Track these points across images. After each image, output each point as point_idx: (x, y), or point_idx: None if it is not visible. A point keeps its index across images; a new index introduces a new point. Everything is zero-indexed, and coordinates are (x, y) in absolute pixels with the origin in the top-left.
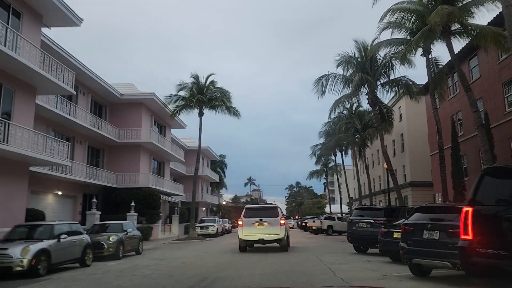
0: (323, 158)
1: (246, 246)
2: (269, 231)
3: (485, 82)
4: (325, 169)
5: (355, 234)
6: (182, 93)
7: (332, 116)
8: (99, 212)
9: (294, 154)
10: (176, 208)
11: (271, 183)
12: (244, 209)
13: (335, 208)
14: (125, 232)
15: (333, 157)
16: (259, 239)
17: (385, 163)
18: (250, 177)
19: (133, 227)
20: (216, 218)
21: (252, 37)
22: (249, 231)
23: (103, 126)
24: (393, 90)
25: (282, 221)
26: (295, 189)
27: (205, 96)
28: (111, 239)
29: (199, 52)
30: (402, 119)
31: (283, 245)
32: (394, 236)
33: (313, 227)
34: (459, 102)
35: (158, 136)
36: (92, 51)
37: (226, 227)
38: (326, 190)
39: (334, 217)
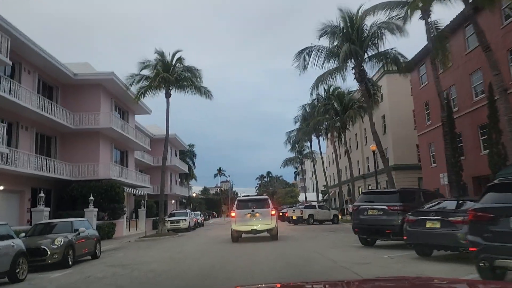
0: (297, 145)
1: (238, 237)
2: (261, 221)
3: None
4: (300, 156)
5: (363, 224)
6: (146, 72)
7: (314, 95)
8: (48, 209)
9: (264, 144)
10: (142, 201)
11: (241, 174)
12: (236, 201)
13: (311, 196)
14: (77, 232)
15: (308, 144)
16: (251, 229)
17: (372, 145)
18: (220, 168)
19: (88, 225)
20: (188, 210)
21: (216, 29)
22: (242, 222)
23: (54, 110)
24: (380, 63)
25: (273, 212)
26: (266, 179)
27: (172, 74)
28: (56, 242)
29: (163, 43)
30: (383, 100)
31: (273, 234)
32: (427, 226)
33: (293, 217)
34: (452, 76)
35: (120, 122)
36: (52, 41)
37: (199, 220)
38: (297, 179)
39: (314, 206)
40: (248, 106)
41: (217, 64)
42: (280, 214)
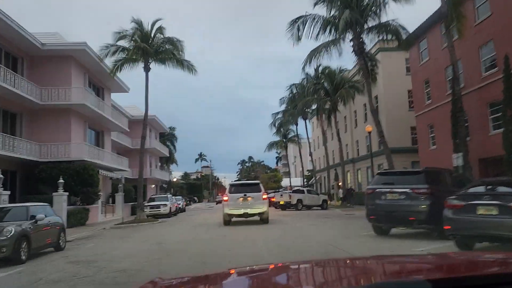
0: (282, 129)
1: (229, 220)
2: (253, 205)
3: (498, 20)
4: (285, 140)
5: (381, 210)
6: (122, 43)
7: (307, 70)
8: (7, 192)
9: (245, 130)
10: (119, 185)
11: (222, 159)
12: (229, 186)
13: (294, 181)
14: (33, 220)
15: (293, 127)
16: (244, 213)
17: (368, 126)
18: (201, 153)
19: (50, 211)
20: (169, 195)
21: (196, 11)
22: (234, 206)
23: (19, 83)
24: (379, 36)
25: (265, 196)
26: (247, 164)
27: (151, 46)
28: (5, 232)
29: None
30: (377, 79)
31: (264, 218)
32: (479, 213)
33: (281, 202)
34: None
35: (95, 99)
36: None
37: (180, 206)
38: (279, 164)
39: (303, 190)
40: (229, 91)
41: (197, 48)
42: None
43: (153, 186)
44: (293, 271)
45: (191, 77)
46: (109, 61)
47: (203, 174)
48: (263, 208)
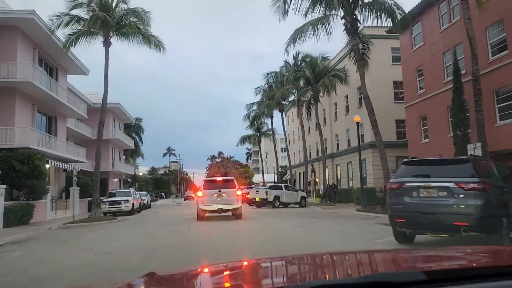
0: (256, 122)
1: (203, 216)
2: (227, 201)
3: None
4: (258, 134)
5: (412, 211)
6: (78, 13)
7: (289, 53)
8: None
9: (215, 126)
10: (74, 178)
11: (191, 155)
12: (203, 181)
13: (268, 177)
14: None
15: (268, 121)
16: (218, 208)
17: (356, 116)
18: (170, 147)
19: None
20: (132, 190)
21: (167, 5)
22: (208, 201)
23: None
24: (373, 15)
25: (239, 192)
26: (217, 159)
27: (112, 17)
28: None
29: None
30: (368, 63)
31: (238, 214)
32: None
33: (257, 199)
34: (458, 33)
35: (46, 79)
36: None
37: (145, 201)
38: (249, 159)
39: (281, 186)
40: (199, 86)
41: (168, 42)
42: None
43: (116, 180)
44: (285, 264)
45: (162, 70)
46: (63, 35)
47: (171, 169)
48: (237, 204)
